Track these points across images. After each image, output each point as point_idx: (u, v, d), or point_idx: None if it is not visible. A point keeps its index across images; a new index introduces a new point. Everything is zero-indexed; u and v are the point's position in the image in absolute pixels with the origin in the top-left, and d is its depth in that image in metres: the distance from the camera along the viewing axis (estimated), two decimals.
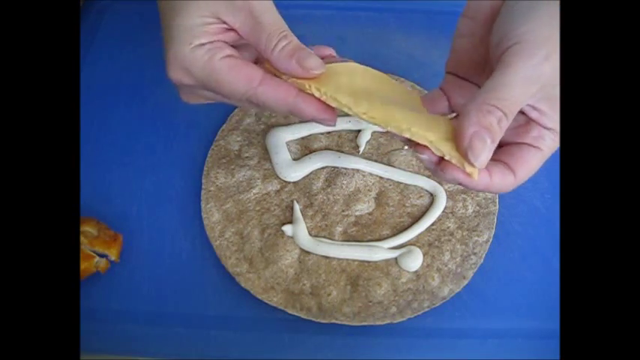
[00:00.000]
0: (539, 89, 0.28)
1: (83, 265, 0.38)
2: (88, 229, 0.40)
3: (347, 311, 0.38)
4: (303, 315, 0.38)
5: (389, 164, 0.45)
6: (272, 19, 0.33)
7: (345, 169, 0.44)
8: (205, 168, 0.45)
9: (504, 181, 0.30)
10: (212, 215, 0.42)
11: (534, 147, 0.30)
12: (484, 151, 0.28)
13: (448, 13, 0.56)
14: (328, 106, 0.32)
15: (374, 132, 0.46)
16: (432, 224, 0.42)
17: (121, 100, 0.50)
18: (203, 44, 0.32)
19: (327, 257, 0.40)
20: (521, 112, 0.30)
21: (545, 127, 0.30)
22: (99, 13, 0.56)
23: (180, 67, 0.32)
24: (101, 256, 0.39)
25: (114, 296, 0.39)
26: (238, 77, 0.32)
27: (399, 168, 0.44)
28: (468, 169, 0.28)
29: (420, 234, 0.41)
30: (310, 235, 0.41)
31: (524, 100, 0.29)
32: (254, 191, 0.43)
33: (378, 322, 0.38)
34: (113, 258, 0.40)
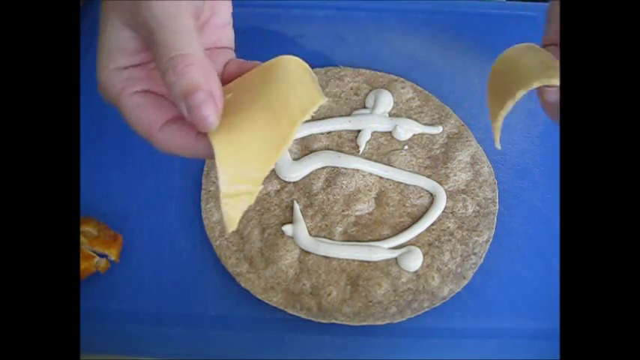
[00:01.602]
0: None
1: (83, 265, 0.38)
2: (88, 229, 0.40)
3: (347, 311, 0.38)
4: (303, 315, 0.38)
5: (389, 164, 0.45)
6: (167, 34, 0.26)
7: (345, 169, 0.44)
8: (205, 168, 0.45)
9: None
10: (212, 215, 0.42)
11: None
12: None
13: (448, 13, 0.56)
14: None
15: (374, 132, 0.46)
16: (432, 224, 0.42)
17: None
18: (122, 68, 0.28)
19: (327, 257, 0.40)
20: None
21: None
22: (99, 13, 0.56)
23: (101, 89, 0.29)
24: (101, 256, 0.39)
25: (114, 296, 0.39)
26: (140, 119, 0.28)
27: (399, 168, 0.44)
28: None
29: (420, 234, 0.41)
30: (310, 235, 0.41)
31: None
32: None
33: (378, 322, 0.38)
34: (113, 258, 0.40)
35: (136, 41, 0.28)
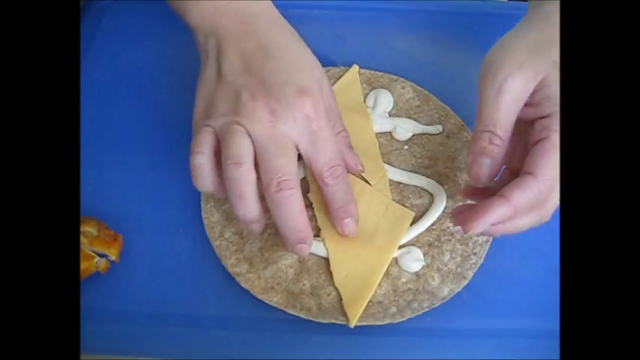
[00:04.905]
0: (515, 100, 0.31)
1: (83, 265, 0.38)
2: (88, 229, 0.40)
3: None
4: (303, 315, 0.38)
5: (389, 164, 0.45)
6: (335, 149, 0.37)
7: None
8: None
9: (524, 188, 0.30)
10: (212, 215, 0.42)
11: (542, 139, 0.31)
12: (482, 170, 0.31)
13: (448, 13, 0.56)
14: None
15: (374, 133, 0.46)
16: (432, 224, 0.42)
17: (121, 100, 0.50)
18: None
19: (327, 257, 0.40)
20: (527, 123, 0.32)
21: (543, 117, 0.31)
22: (99, 13, 0.56)
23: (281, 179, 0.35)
24: (101, 256, 0.39)
25: (114, 296, 0.39)
26: (298, 207, 0.35)
27: (399, 168, 0.44)
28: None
29: (420, 234, 0.41)
30: None
31: (507, 112, 0.31)
32: None
33: (378, 322, 0.37)
34: (113, 258, 0.40)
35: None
